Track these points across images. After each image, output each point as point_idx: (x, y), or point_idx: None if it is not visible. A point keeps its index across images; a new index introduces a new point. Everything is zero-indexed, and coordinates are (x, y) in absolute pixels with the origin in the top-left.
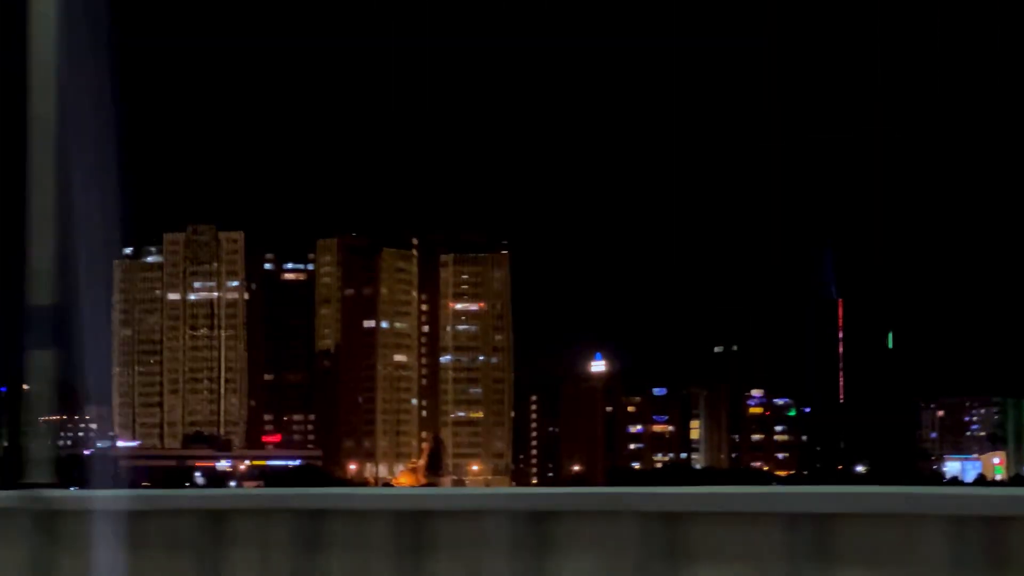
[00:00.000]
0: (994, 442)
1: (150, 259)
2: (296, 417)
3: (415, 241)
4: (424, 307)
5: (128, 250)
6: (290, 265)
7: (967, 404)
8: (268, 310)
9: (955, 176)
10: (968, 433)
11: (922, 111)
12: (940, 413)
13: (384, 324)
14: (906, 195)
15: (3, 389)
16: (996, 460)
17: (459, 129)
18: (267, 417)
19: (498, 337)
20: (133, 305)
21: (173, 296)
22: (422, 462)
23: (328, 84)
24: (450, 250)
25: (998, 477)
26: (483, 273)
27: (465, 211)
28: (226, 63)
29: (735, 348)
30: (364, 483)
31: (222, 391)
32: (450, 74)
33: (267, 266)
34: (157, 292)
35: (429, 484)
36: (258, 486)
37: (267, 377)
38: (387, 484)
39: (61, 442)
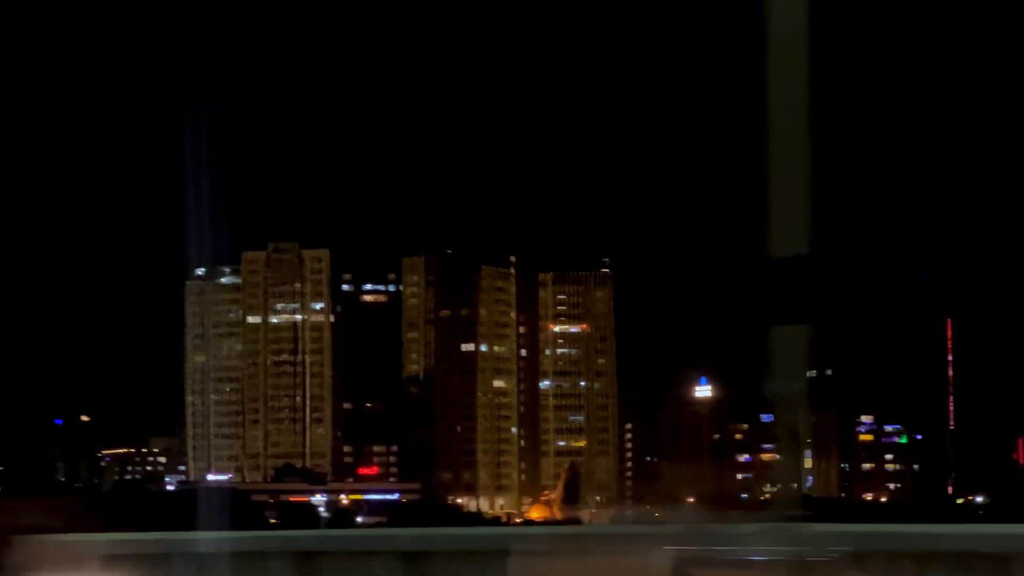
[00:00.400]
0: None
1: (224, 280)
2: (377, 448)
3: (513, 259)
4: (522, 329)
5: (201, 271)
6: (369, 286)
7: None
8: (346, 334)
9: None
10: None
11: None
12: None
13: (483, 348)
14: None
15: (58, 421)
16: None
17: (562, 142)
18: (346, 448)
19: (600, 361)
20: (207, 329)
21: (253, 319)
22: (556, 494)
23: (417, 99)
24: (549, 269)
25: None
26: (584, 293)
27: (565, 228)
28: (312, 75)
29: (828, 372)
30: (489, 519)
31: (307, 421)
32: (547, 87)
33: (345, 287)
34: (232, 315)
35: (566, 517)
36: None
37: (346, 406)
38: (510, 519)
39: (128, 475)
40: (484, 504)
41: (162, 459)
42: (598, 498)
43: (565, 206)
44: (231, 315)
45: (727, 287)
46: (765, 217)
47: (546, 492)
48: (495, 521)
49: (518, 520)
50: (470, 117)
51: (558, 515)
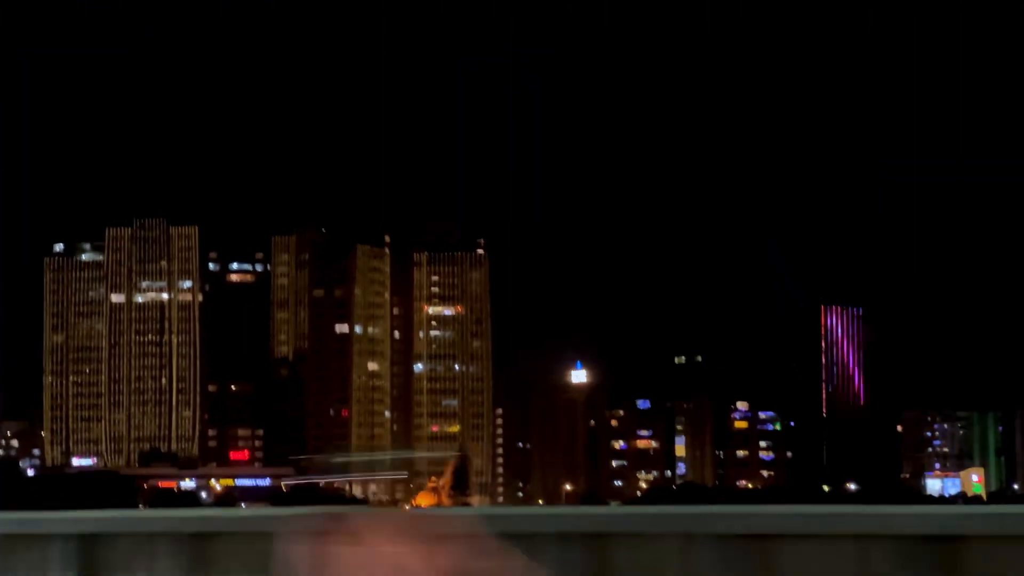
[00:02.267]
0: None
1: (85, 257)
2: (242, 431)
3: (387, 238)
4: (396, 310)
5: (59, 247)
6: (236, 265)
7: (928, 419)
8: (213, 314)
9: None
10: (930, 449)
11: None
12: (899, 428)
13: (357, 329)
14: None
15: None
16: (975, 477)
17: (436, 121)
18: (210, 432)
19: (476, 344)
20: (66, 308)
21: (117, 298)
22: (444, 482)
23: (291, 73)
24: (424, 249)
25: (977, 494)
26: (460, 274)
27: (438, 208)
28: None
29: (699, 359)
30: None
31: (174, 403)
32: (422, 67)
33: (211, 266)
34: (93, 293)
35: (456, 505)
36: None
37: (211, 388)
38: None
39: None
40: (358, 490)
41: (15, 442)
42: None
43: (440, 184)
44: (92, 293)
45: (605, 271)
46: (643, 201)
47: (433, 479)
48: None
49: (407, 507)
50: (342, 95)
51: (447, 503)
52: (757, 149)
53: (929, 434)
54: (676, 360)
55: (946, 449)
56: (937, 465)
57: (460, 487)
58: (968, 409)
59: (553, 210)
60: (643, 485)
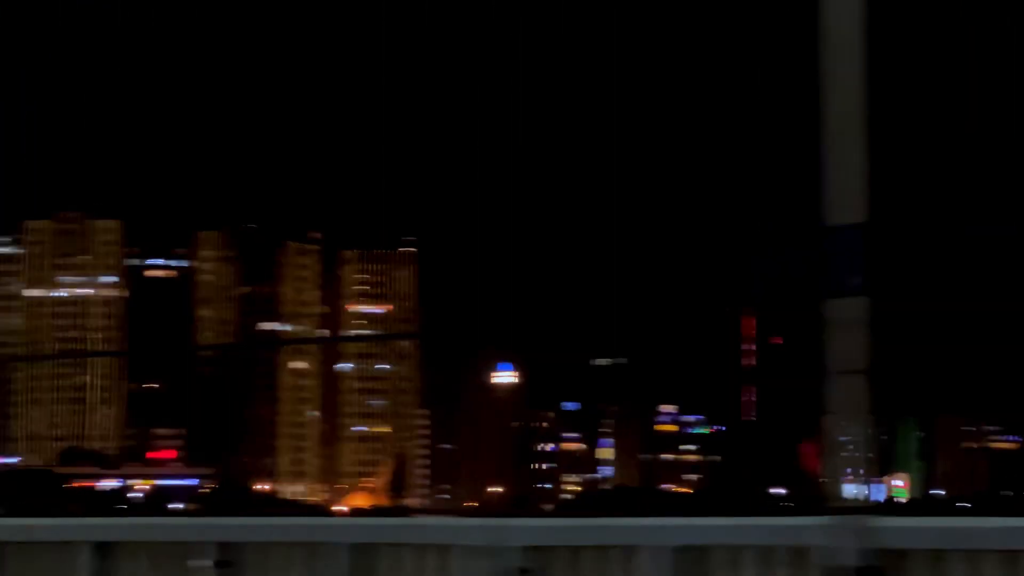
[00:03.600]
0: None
1: (1, 250)
2: (162, 431)
3: (316, 235)
4: (323, 308)
5: None
6: (158, 261)
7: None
8: (134, 311)
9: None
10: (844, 454)
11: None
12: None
13: (286, 327)
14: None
15: None
16: (899, 483)
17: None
18: (129, 431)
19: (404, 343)
20: None
21: (35, 292)
22: (381, 482)
23: (218, 66)
24: (352, 246)
25: (901, 500)
26: (388, 272)
27: (369, 204)
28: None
29: (624, 361)
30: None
31: (95, 402)
32: (351, 60)
33: (132, 261)
34: (9, 287)
35: (393, 505)
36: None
37: (130, 386)
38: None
39: None
40: (288, 491)
41: None
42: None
43: (369, 181)
44: (8, 287)
45: (532, 270)
46: (574, 200)
47: (369, 480)
48: (321, 510)
49: (339, 509)
50: (270, 88)
51: (384, 502)
52: (688, 143)
53: (844, 438)
54: (598, 362)
55: (857, 455)
56: (849, 470)
57: (397, 488)
58: (888, 414)
59: (483, 209)
60: (569, 488)
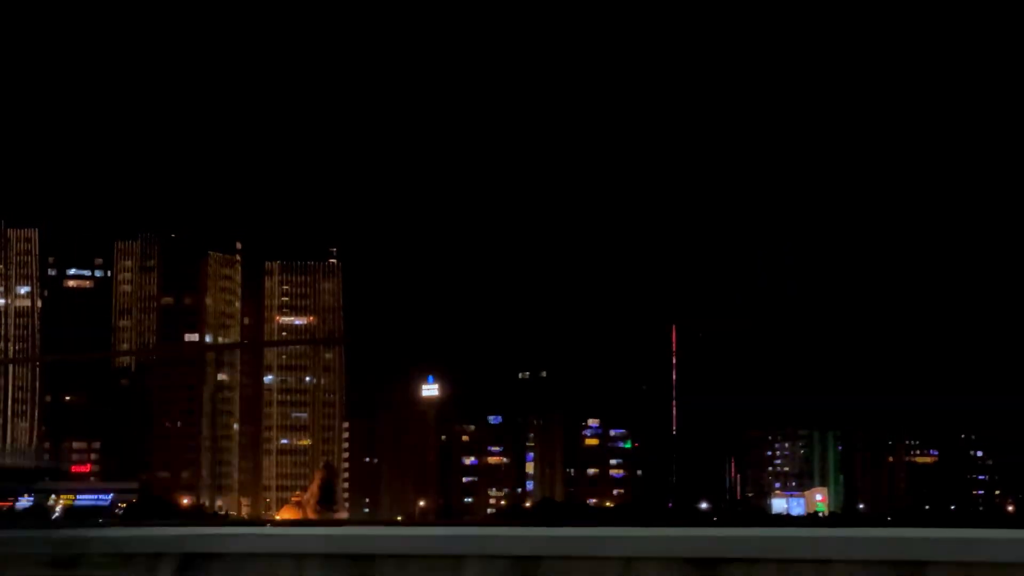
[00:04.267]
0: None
1: None
2: (77, 444)
3: (239, 245)
4: (246, 320)
5: None
6: (74, 271)
7: (769, 438)
8: (50, 321)
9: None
10: (771, 468)
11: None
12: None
13: (208, 338)
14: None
15: None
16: (819, 497)
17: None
18: (45, 445)
19: (328, 355)
20: None
21: None
22: (309, 495)
23: (141, 73)
24: (276, 257)
25: (821, 514)
26: (312, 284)
27: (293, 214)
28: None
29: (544, 374)
30: (231, 519)
31: (8, 414)
32: (276, 69)
33: (48, 271)
34: None
35: (322, 519)
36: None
37: (47, 398)
38: (257, 519)
39: None
40: (206, 502)
41: None
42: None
43: (293, 191)
44: None
45: (456, 284)
46: (501, 212)
47: (298, 493)
48: (251, 522)
49: (270, 520)
50: (192, 94)
51: (312, 517)
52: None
53: (770, 453)
54: (520, 375)
55: (787, 468)
56: (777, 484)
57: (327, 501)
58: (807, 428)
59: (408, 221)
60: (493, 501)
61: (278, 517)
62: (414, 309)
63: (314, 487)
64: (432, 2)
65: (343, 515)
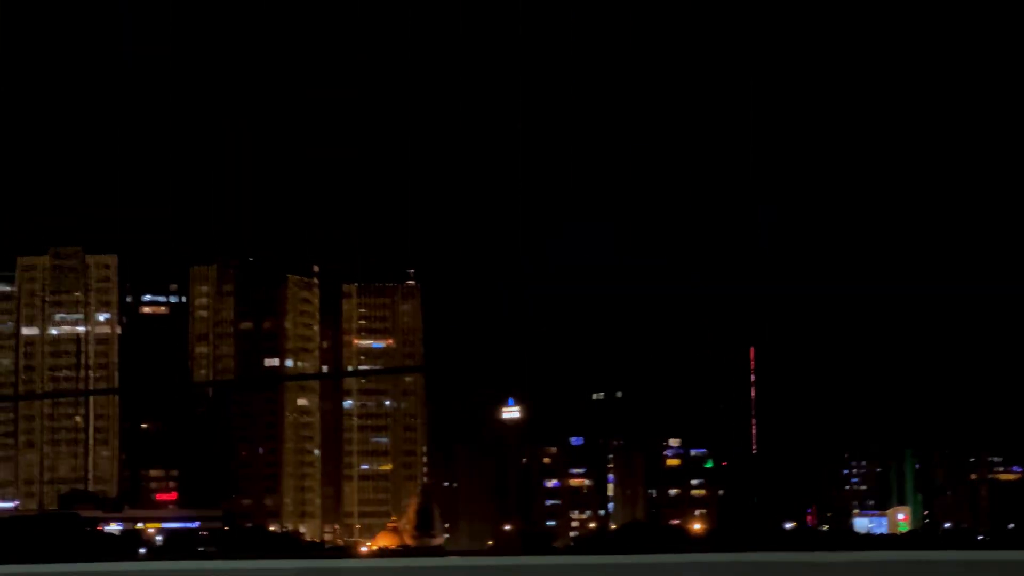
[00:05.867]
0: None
1: None
2: (155, 472)
3: (316, 268)
4: (324, 344)
5: None
6: (149, 297)
7: (845, 456)
8: (126, 348)
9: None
10: (847, 487)
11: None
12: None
13: (288, 363)
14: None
15: None
16: (900, 516)
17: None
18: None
19: (408, 379)
20: None
21: (29, 331)
22: (406, 521)
23: (211, 99)
24: (353, 280)
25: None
26: (390, 306)
27: (370, 237)
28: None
29: (619, 395)
30: (332, 548)
31: (91, 443)
32: (352, 89)
33: (127, 298)
34: (2, 326)
35: (420, 546)
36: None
37: (124, 426)
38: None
39: None
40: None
41: None
42: (447, 525)
43: (370, 214)
44: (2, 326)
45: (531, 304)
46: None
47: (394, 519)
48: (340, 551)
49: (364, 549)
50: (268, 122)
51: (410, 543)
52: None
53: (846, 471)
54: (595, 396)
55: (864, 487)
56: (855, 503)
57: (424, 527)
58: (884, 448)
59: (485, 242)
60: (576, 524)
61: (375, 545)
62: (492, 330)
63: (411, 513)
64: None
65: (440, 541)
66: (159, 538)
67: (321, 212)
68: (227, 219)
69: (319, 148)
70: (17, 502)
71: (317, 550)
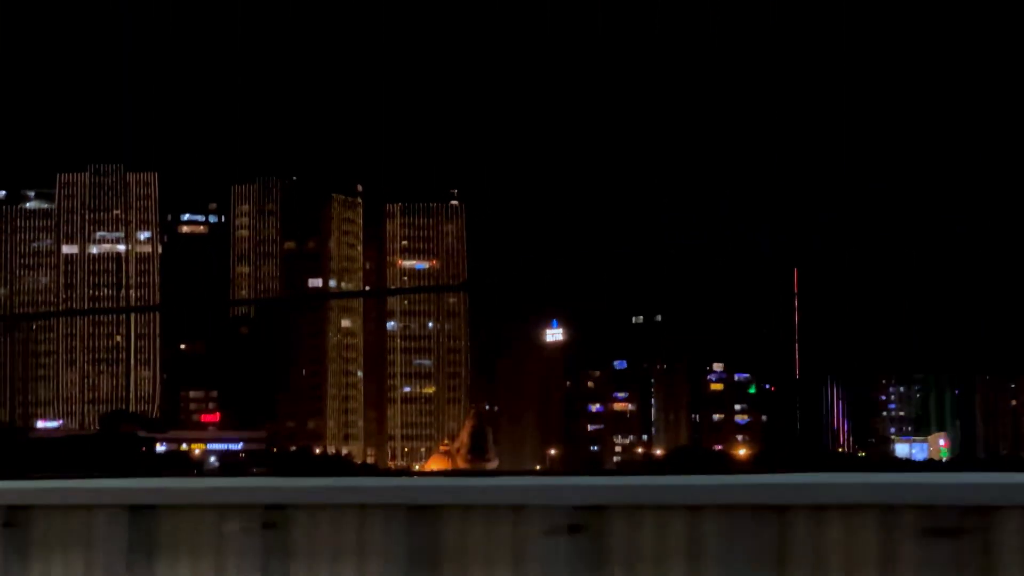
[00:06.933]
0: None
1: (30, 205)
2: (194, 393)
3: (360, 188)
4: (367, 264)
5: (1, 194)
6: (188, 216)
7: (883, 382)
8: (168, 267)
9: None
10: (884, 413)
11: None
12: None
13: (332, 284)
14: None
15: None
16: (941, 442)
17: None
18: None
19: (451, 301)
20: (10, 259)
21: (69, 249)
22: (459, 444)
23: (261, 20)
24: (397, 199)
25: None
26: (434, 226)
27: (412, 157)
28: None
29: (658, 318)
30: (384, 471)
31: (132, 363)
32: (400, 12)
33: (166, 216)
34: (39, 244)
35: (474, 468)
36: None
37: (165, 347)
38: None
39: None
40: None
41: None
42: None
43: (414, 132)
44: (38, 244)
45: (575, 226)
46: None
47: (446, 442)
48: (399, 474)
49: (417, 470)
50: (311, 40)
51: (463, 466)
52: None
53: (884, 397)
54: (634, 319)
55: (902, 413)
56: (892, 430)
57: (479, 450)
58: (923, 373)
59: (529, 162)
60: (619, 449)
61: (428, 467)
62: (536, 251)
63: (464, 436)
64: None
65: (494, 464)
66: (212, 460)
67: (365, 131)
68: (270, 137)
69: (363, 66)
70: (62, 421)
71: (372, 473)
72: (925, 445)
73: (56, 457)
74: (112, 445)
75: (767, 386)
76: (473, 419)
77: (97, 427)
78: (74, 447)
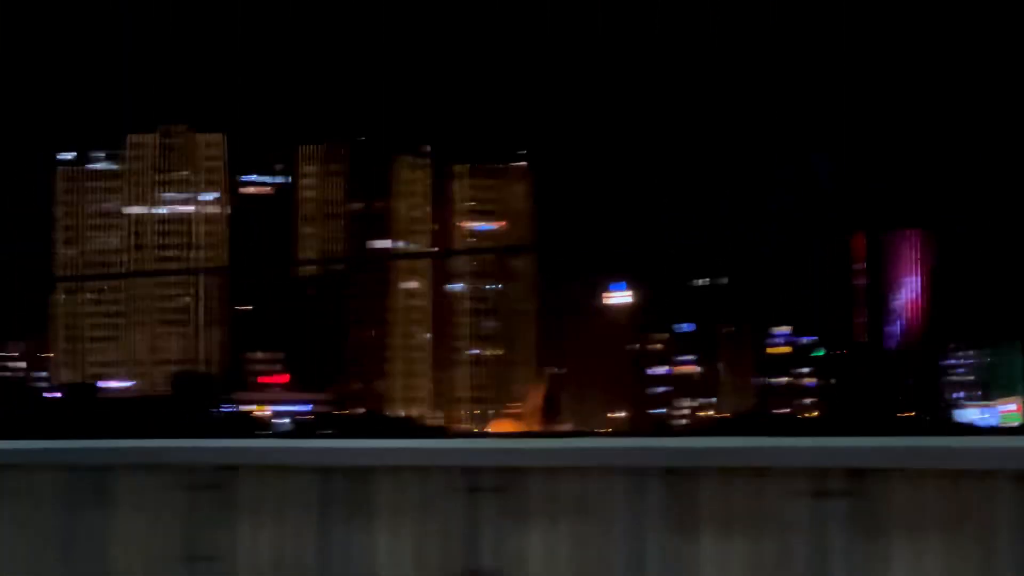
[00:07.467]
0: None
1: (99, 166)
2: (261, 355)
3: (426, 148)
4: (434, 226)
5: (69, 155)
6: (254, 176)
7: (951, 345)
8: (233, 229)
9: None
10: (953, 377)
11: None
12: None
13: (399, 245)
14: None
15: None
16: (1012, 407)
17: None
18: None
19: (518, 263)
20: (79, 220)
21: (136, 210)
22: (531, 406)
23: None
24: (463, 160)
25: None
26: (501, 188)
27: (479, 118)
28: None
29: (724, 281)
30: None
31: (200, 324)
32: None
33: (235, 177)
34: (109, 205)
35: (546, 431)
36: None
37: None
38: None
39: None
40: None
41: (21, 364)
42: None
43: (481, 92)
44: (107, 205)
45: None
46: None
47: (516, 404)
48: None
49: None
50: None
51: (534, 428)
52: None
53: (952, 362)
54: (698, 282)
55: (970, 378)
56: (961, 394)
57: (552, 413)
58: (990, 338)
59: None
60: (687, 412)
61: (497, 429)
62: (603, 213)
63: (536, 399)
64: None
65: (567, 427)
66: (284, 421)
67: (431, 91)
68: (336, 97)
69: (432, 26)
70: (134, 381)
71: (439, 433)
72: (996, 410)
73: (130, 417)
74: (184, 406)
75: (838, 350)
76: (546, 383)
77: (168, 388)
78: (146, 407)
